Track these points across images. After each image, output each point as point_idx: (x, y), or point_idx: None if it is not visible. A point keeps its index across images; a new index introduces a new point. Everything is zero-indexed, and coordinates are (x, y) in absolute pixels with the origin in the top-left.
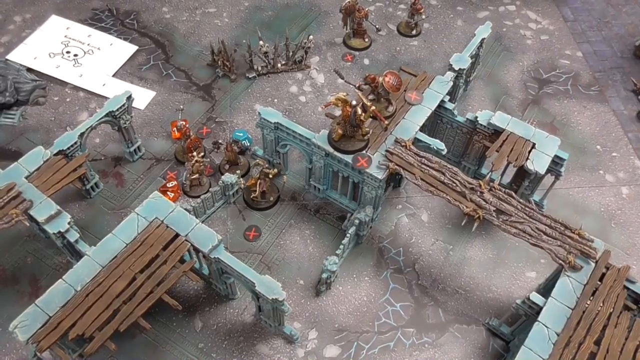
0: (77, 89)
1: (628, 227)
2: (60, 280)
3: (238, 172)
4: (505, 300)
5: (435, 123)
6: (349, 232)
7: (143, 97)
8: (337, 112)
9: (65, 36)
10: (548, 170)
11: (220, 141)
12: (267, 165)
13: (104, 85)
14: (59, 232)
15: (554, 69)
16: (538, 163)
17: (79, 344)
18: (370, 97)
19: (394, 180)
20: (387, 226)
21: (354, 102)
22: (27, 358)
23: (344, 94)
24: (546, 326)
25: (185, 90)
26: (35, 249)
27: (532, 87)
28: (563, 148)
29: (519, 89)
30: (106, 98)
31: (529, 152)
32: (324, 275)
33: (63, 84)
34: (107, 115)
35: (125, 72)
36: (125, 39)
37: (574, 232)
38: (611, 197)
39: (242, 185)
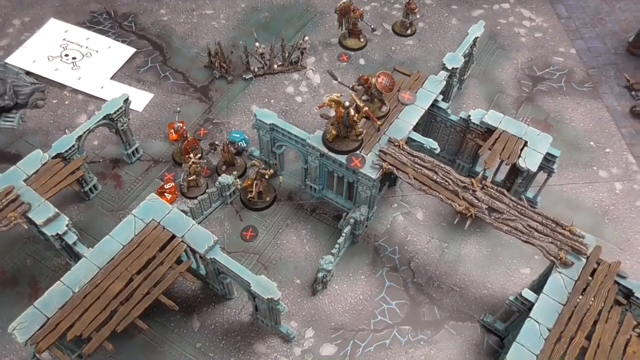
0: (75, 91)
1: (621, 223)
2: (58, 282)
3: (235, 173)
4: (500, 296)
5: (429, 122)
6: (345, 231)
7: (141, 99)
8: (332, 113)
9: (64, 39)
10: (540, 168)
11: (217, 142)
12: (263, 166)
13: (102, 87)
14: (57, 234)
15: (548, 66)
16: (530, 161)
17: (77, 345)
18: (364, 97)
19: (389, 179)
20: (383, 225)
21: (346, 104)
22: (27, 359)
23: (338, 94)
24: (538, 322)
25: (182, 92)
26: (34, 251)
27: (526, 85)
28: (557, 145)
29: (513, 87)
30: (104, 100)
31: (521, 150)
32: (320, 275)
33: (62, 86)
34: (104, 118)
35: (124, 74)
36: (123, 42)
37: (565, 229)
38: (605, 193)
39: (239, 186)
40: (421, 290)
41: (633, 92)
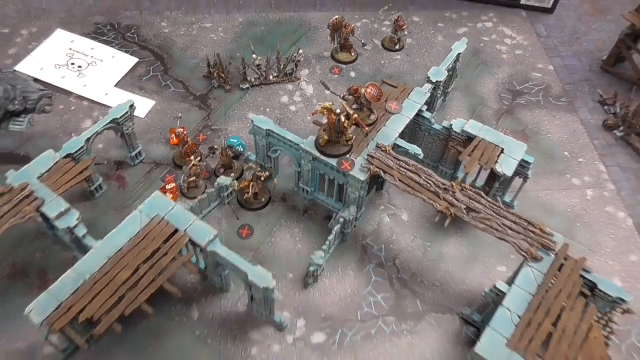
0: (81, 98)
1: (592, 226)
2: (70, 269)
3: (232, 175)
4: (478, 291)
5: (415, 130)
6: (334, 229)
7: (143, 106)
8: (324, 120)
9: (70, 48)
10: (516, 173)
11: (215, 147)
12: (259, 169)
13: (106, 94)
14: (68, 227)
15: (527, 81)
16: (506, 166)
17: (86, 329)
18: (354, 106)
19: (376, 182)
20: (370, 225)
21: (338, 111)
22: (39, 341)
23: (330, 103)
24: (509, 310)
25: (182, 100)
26: (43, 246)
27: (506, 98)
28: (534, 154)
29: (494, 100)
30: (108, 107)
31: (498, 156)
32: (311, 268)
33: (68, 93)
34: (111, 122)
35: (127, 82)
36: (126, 52)
37: (536, 227)
38: (577, 199)
39: (236, 187)
40: (405, 285)
41: (605, 107)
